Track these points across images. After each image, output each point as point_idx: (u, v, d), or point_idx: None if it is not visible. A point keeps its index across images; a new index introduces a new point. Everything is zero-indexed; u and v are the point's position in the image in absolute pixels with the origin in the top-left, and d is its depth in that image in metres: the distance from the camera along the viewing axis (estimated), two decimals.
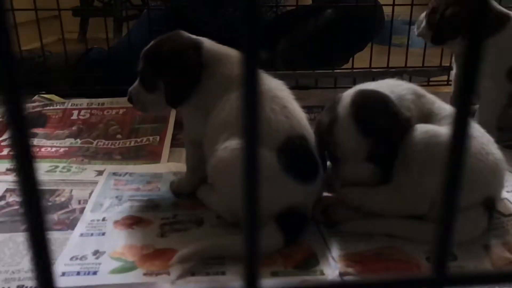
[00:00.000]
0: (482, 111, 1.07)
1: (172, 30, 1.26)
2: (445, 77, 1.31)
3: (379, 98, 0.69)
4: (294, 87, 1.30)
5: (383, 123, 0.67)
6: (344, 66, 1.42)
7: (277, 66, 1.39)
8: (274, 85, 0.72)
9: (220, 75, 0.71)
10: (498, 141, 1.02)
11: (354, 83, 1.31)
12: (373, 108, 0.68)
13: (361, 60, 1.40)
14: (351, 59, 1.42)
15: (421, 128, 0.68)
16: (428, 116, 0.74)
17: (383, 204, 0.69)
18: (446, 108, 0.76)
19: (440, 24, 1.01)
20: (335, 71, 1.31)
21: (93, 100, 1.12)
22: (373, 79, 1.28)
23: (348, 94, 0.71)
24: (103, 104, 1.11)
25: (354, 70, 1.33)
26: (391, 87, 0.73)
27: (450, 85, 1.23)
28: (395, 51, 1.34)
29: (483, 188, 0.67)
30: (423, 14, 1.06)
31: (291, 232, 0.65)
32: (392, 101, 0.69)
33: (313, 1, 1.54)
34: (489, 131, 1.04)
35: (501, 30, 1.00)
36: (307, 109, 1.24)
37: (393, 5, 1.32)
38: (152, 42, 0.76)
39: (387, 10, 1.37)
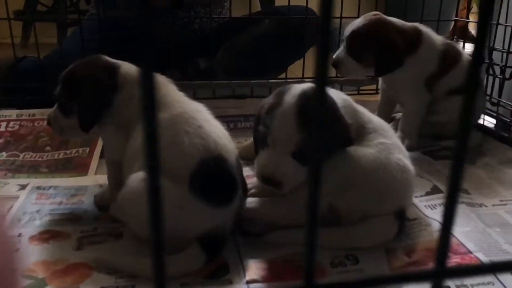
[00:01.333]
0: (405, 121, 1.13)
1: (108, 40, 1.27)
2: (373, 87, 1.38)
3: (330, 99, 0.69)
4: (231, 96, 1.35)
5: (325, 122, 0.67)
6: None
7: (216, 75, 1.42)
8: (191, 107, 0.73)
9: (137, 98, 0.71)
10: (419, 147, 1.11)
11: None
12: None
13: (309, 68, 1.42)
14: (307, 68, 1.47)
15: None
16: (360, 129, 0.75)
17: (285, 216, 0.71)
18: (373, 121, 0.78)
19: (384, 55, 1.02)
20: (270, 80, 1.35)
21: (24, 111, 1.11)
22: None
23: (300, 86, 0.70)
24: (33, 115, 1.10)
25: (288, 80, 1.37)
26: (335, 97, 0.73)
27: (378, 93, 1.30)
28: None
29: (396, 200, 0.73)
30: (343, 46, 1.06)
31: (213, 251, 0.66)
32: (338, 107, 0.70)
33: (250, 13, 1.58)
34: (411, 138, 1.13)
35: (419, 46, 1.07)
36: (243, 117, 1.30)
37: (341, 17, 1.36)
38: (70, 66, 0.77)
39: (335, 22, 1.42)
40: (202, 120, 0.69)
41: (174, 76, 1.43)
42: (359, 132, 0.74)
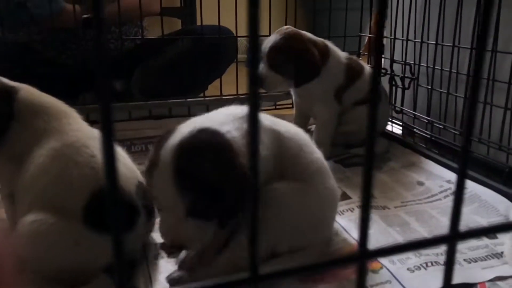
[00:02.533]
0: (319, 132, 1.19)
1: (19, 63, 1.20)
2: (289, 101, 1.44)
3: (211, 147, 0.59)
4: (148, 117, 1.34)
5: (208, 179, 0.57)
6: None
7: (133, 96, 1.40)
8: (85, 135, 0.69)
9: (34, 127, 0.68)
10: (331, 157, 1.17)
11: (207, 110, 1.38)
12: (199, 161, 0.57)
13: (228, 85, 1.45)
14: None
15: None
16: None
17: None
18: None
19: (303, 65, 1.08)
20: (188, 100, 1.36)
21: None
22: (224, 105, 1.38)
23: (180, 133, 0.60)
24: None
25: (206, 98, 1.39)
26: (241, 120, 0.66)
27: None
28: None
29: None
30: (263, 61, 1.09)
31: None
32: (228, 149, 0.59)
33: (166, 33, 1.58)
34: (324, 148, 1.18)
35: (327, 59, 1.14)
36: None
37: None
38: None
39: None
40: (97, 149, 0.65)
41: (86, 99, 1.41)
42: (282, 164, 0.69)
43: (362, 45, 1.85)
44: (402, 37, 1.28)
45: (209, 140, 0.59)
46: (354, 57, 1.26)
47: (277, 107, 1.43)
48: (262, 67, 1.09)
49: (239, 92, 1.41)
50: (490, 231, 0.24)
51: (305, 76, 1.10)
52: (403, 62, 1.28)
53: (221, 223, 0.59)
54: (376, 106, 0.21)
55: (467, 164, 0.21)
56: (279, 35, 1.10)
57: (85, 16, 1.35)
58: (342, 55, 1.18)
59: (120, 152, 0.71)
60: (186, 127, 0.61)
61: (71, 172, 0.62)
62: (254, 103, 0.17)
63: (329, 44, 1.18)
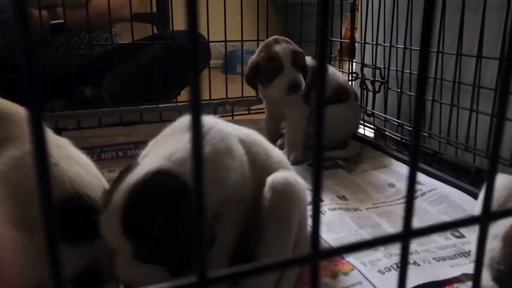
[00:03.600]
0: (290, 134, 1.20)
1: None
2: (262, 106, 1.44)
3: (164, 196, 0.54)
4: (119, 123, 1.32)
5: (157, 229, 0.53)
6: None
7: (103, 103, 1.38)
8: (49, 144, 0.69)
9: None
10: (303, 160, 1.17)
11: (180, 115, 1.37)
12: (149, 210, 0.53)
13: (217, 91, 1.44)
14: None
15: None
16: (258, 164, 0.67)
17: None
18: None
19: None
20: (159, 105, 1.35)
21: None
22: None
23: (134, 176, 0.55)
24: None
25: (178, 104, 1.38)
26: (217, 138, 0.62)
27: None
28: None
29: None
30: (288, 68, 1.10)
31: None
32: (182, 199, 0.54)
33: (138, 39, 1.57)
34: (297, 151, 1.19)
35: None
36: (133, 145, 1.27)
37: (242, 40, 1.40)
38: None
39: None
40: (60, 157, 0.64)
41: (56, 106, 1.37)
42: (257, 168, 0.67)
43: (334, 50, 1.88)
44: (372, 41, 1.30)
45: (162, 189, 0.55)
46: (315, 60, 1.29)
47: (251, 112, 1.43)
48: (291, 75, 1.09)
49: (212, 98, 1.40)
50: (443, 228, 0.24)
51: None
52: (373, 66, 1.30)
53: (173, 270, 0.56)
54: (323, 107, 0.21)
55: (417, 158, 0.21)
56: (284, 42, 1.13)
57: (53, 22, 1.32)
58: (309, 59, 1.20)
59: (85, 160, 0.69)
60: (143, 167, 0.57)
61: (31, 182, 0.60)
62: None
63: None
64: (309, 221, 0.82)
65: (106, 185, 0.68)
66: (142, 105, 1.32)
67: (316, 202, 0.20)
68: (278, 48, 1.10)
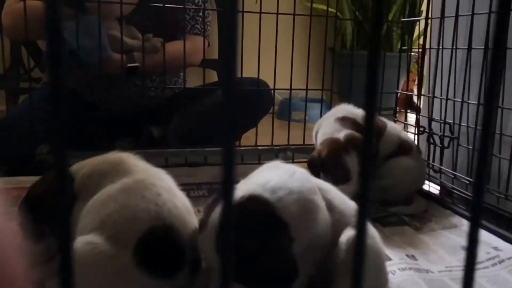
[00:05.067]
0: (355, 186, 1.17)
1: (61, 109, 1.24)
2: None
3: (257, 220, 0.58)
4: (184, 164, 1.35)
5: (250, 252, 0.56)
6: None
7: (169, 144, 1.42)
8: (153, 175, 0.73)
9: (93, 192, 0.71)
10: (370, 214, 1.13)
11: (242, 160, 1.39)
12: (243, 234, 0.56)
13: (264, 135, 1.47)
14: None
15: None
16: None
17: None
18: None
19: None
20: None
21: None
22: (259, 156, 1.38)
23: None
24: None
25: (241, 148, 1.40)
26: (295, 181, 0.63)
27: None
28: (296, 126, 1.45)
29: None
30: (355, 179, 1.06)
31: None
32: (274, 224, 0.58)
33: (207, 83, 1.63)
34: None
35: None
36: (196, 185, 1.29)
37: (290, 89, 1.43)
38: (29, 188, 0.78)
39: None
40: (162, 188, 0.69)
41: (125, 145, 1.43)
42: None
43: (392, 101, 1.86)
44: (441, 95, 1.27)
45: (255, 213, 0.59)
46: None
47: None
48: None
49: (274, 143, 1.41)
50: None
51: None
52: (442, 121, 1.27)
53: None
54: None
55: (479, 217, 0.20)
56: (353, 150, 1.09)
57: (129, 65, 1.40)
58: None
59: (182, 195, 0.74)
60: (237, 193, 0.60)
61: (137, 204, 0.65)
62: None
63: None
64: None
65: (196, 223, 0.70)
66: (207, 147, 1.35)
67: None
68: (348, 159, 1.06)
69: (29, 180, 1.09)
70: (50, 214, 0.72)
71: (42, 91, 1.42)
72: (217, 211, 0.60)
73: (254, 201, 0.59)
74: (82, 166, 0.77)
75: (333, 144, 1.10)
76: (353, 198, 1.16)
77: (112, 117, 1.44)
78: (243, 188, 0.62)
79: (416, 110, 1.45)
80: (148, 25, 1.49)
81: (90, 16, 1.29)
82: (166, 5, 1.32)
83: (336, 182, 1.05)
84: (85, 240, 0.63)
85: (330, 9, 2.50)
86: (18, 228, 0.59)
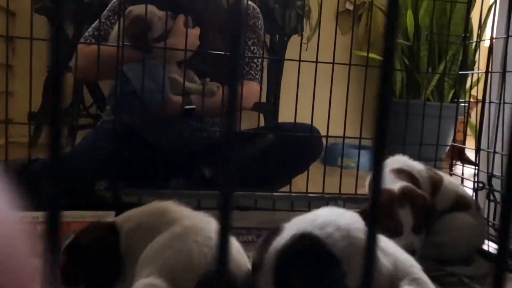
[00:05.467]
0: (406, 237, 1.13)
1: (121, 147, 1.29)
2: None
3: (311, 257, 0.60)
4: (234, 207, 1.36)
5: (302, 286, 0.58)
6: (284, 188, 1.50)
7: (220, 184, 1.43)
8: (201, 220, 0.77)
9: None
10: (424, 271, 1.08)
11: (292, 206, 1.38)
12: (298, 271, 0.60)
13: (314, 182, 1.46)
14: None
15: None
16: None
17: None
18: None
19: None
20: (274, 193, 1.37)
21: (27, 213, 1.10)
22: (309, 204, 1.36)
23: (281, 239, 0.64)
24: (36, 218, 1.09)
25: (292, 194, 1.39)
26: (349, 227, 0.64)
27: None
28: (344, 173, 1.44)
29: None
30: (407, 232, 1.03)
31: None
32: (327, 260, 0.60)
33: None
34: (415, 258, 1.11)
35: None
36: (246, 230, 1.29)
37: (344, 137, 1.43)
38: (73, 235, 0.81)
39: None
40: (212, 231, 0.71)
41: (179, 184, 1.46)
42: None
43: (442, 153, 1.81)
44: (502, 151, 1.23)
45: (309, 249, 0.62)
46: (431, 167, 1.25)
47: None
48: (408, 240, 1.02)
49: (325, 191, 1.40)
50: None
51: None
52: (502, 177, 1.22)
53: None
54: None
55: None
56: (408, 203, 1.06)
57: (187, 107, 1.45)
58: (421, 168, 1.18)
59: (232, 239, 0.74)
60: (288, 231, 0.65)
61: (191, 249, 0.68)
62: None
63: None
64: None
65: (249, 265, 0.72)
66: (257, 191, 1.35)
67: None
68: (401, 212, 1.04)
69: (87, 215, 1.13)
70: (88, 264, 0.75)
71: (101, 129, 1.48)
72: (272, 250, 0.63)
73: (305, 238, 0.62)
74: (125, 219, 0.80)
75: (387, 196, 1.07)
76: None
77: (167, 157, 1.48)
78: (293, 227, 0.65)
79: (468, 162, 1.41)
80: (205, 70, 1.54)
81: (154, 60, 1.36)
82: (223, 52, 1.38)
83: (387, 234, 1.03)
84: (146, 282, 0.64)
85: (377, 57, 2.52)
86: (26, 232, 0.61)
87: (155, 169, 1.38)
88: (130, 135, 1.47)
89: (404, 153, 1.26)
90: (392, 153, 1.26)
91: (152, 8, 1.35)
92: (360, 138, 1.43)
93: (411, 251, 0.99)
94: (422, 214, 1.05)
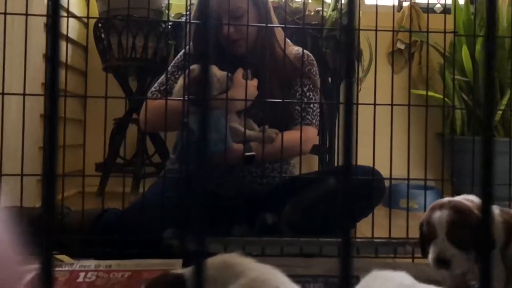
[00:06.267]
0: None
1: (185, 196, 1.35)
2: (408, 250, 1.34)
3: None
4: (298, 254, 1.34)
5: None
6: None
7: (282, 232, 1.43)
8: (265, 271, 0.78)
9: None
10: None
11: (357, 252, 1.34)
12: None
13: (380, 226, 1.43)
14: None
15: None
16: None
17: None
18: None
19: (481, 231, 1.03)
20: (338, 240, 1.34)
21: (101, 262, 1.15)
22: (376, 249, 1.32)
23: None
24: (110, 266, 1.14)
25: (357, 240, 1.36)
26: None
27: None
28: (402, 215, 1.41)
29: None
30: (441, 238, 1.00)
31: None
32: None
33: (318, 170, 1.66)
34: None
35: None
36: (311, 278, 1.26)
37: (408, 179, 1.40)
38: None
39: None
40: (279, 282, 0.74)
41: (237, 231, 1.48)
42: None
43: None
44: None
45: None
46: (505, 209, 1.17)
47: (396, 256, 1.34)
48: (441, 247, 0.99)
49: (376, 234, 1.36)
50: None
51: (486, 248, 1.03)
52: None
53: None
54: None
55: None
56: (449, 209, 1.04)
57: (247, 154, 1.49)
58: (496, 212, 1.10)
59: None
60: None
61: None
62: None
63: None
64: None
65: None
66: (322, 238, 1.33)
67: None
68: (436, 214, 1.00)
69: (157, 263, 1.16)
70: None
71: (167, 178, 1.54)
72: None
73: None
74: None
75: (433, 204, 1.04)
76: None
77: (229, 204, 1.51)
78: None
79: None
80: (264, 117, 1.59)
81: (216, 111, 1.42)
82: (280, 100, 1.42)
83: (422, 243, 0.99)
84: None
85: (436, 95, 2.47)
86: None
87: (219, 216, 1.41)
88: (190, 183, 1.51)
89: (472, 192, 1.20)
90: (459, 192, 1.21)
91: (212, 69, 1.43)
92: (426, 179, 1.39)
93: (443, 262, 0.96)
94: (464, 229, 0.98)
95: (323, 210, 1.44)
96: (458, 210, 1.02)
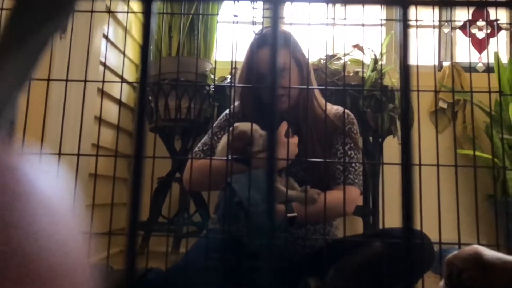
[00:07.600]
0: None
1: (228, 258, 1.33)
2: None
3: None
4: None
5: None
6: None
7: None
8: None
9: None
10: None
11: None
12: None
13: None
14: None
15: None
16: None
17: None
18: None
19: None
20: None
21: None
22: None
23: None
24: None
25: None
26: None
27: None
28: None
29: None
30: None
31: None
32: None
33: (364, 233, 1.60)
34: None
35: None
36: None
37: (459, 243, 1.33)
38: None
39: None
40: None
41: None
42: None
43: None
44: None
45: None
46: None
47: None
48: None
49: None
50: None
51: None
52: None
53: None
54: None
55: None
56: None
57: (289, 215, 1.47)
58: None
59: None
60: None
61: None
62: None
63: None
64: None
65: None
66: None
67: None
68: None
69: None
70: None
71: (209, 239, 1.54)
72: None
73: None
74: None
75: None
76: None
77: (271, 268, 1.47)
78: None
79: None
80: (304, 176, 1.58)
81: (258, 170, 1.43)
82: (322, 159, 1.42)
83: None
84: None
85: (484, 155, 2.39)
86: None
87: (261, 280, 1.37)
88: (236, 245, 1.50)
89: None
90: None
91: (255, 126, 1.46)
92: (479, 244, 1.31)
93: None
94: None
95: (370, 275, 1.37)
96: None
